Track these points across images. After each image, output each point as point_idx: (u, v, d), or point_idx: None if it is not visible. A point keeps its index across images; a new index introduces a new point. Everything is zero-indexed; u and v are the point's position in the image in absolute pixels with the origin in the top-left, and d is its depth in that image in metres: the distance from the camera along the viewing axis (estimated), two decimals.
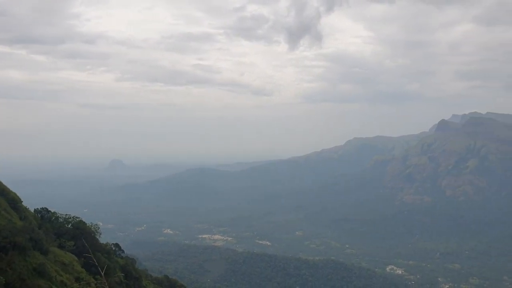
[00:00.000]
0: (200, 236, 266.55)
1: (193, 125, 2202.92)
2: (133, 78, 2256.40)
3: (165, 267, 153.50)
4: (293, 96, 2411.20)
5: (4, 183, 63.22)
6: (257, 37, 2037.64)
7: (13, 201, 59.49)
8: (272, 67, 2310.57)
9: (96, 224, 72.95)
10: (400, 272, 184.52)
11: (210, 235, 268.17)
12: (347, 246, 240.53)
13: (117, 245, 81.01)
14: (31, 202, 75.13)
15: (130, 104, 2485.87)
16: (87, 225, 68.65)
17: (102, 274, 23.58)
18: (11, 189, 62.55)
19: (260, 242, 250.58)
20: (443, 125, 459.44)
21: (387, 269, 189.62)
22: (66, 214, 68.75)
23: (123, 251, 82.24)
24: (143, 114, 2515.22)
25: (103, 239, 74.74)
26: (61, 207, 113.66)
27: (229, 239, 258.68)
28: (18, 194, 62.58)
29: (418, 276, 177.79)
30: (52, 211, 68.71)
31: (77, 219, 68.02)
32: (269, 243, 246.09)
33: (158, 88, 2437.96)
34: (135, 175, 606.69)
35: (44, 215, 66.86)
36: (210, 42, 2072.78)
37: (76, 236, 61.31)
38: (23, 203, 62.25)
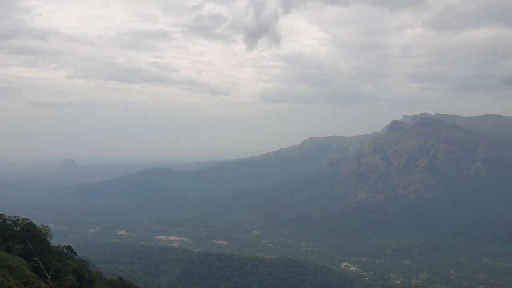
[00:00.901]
0: (156, 237, 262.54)
1: (150, 124, 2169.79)
2: (87, 75, 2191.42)
3: (120, 269, 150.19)
4: (251, 95, 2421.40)
5: None
6: (215, 36, 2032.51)
7: None
8: (230, 67, 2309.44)
9: (47, 226, 70.54)
10: (354, 269, 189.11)
11: (166, 236, 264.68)
12: (303, 244, 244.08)
13: (69, 247, 78.64)
14: None
15: (83, 102, 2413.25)
16: (37, 227, 66.31)
17: (49, 277, 22.82)
18: None
19: (217, 242, 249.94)
20: (395, 126, 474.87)
21: (342, 266, 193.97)
22: (15, 216, 66.12)
23: (75, 254, 79.85)
24: (97, 113, 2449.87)
25: (54, 241, 72.38)
26: (9, 209, 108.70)
27: (185, 239, 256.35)
28: None
29: (371, 273, 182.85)
30: None
31: (27, 221, 65.59)
32: (226, 243, 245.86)
33: (113, 86, 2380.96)
34: (88, 175, 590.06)
35: None
36: (167, 40, 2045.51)
37: (26, 239, 59.11)
38: None
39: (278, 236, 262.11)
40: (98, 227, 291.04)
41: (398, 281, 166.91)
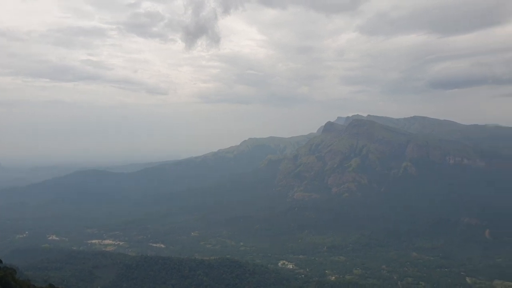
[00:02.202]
0: (89, 241, 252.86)
1: (83, 124, 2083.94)
2: (14, 72, 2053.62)
3: (50, 276, 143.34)
4: (190, 95, 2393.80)
5: None
6: (152, 34, 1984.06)
7: None
8: (167, 66, 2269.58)
9: None
10: (291, 267, 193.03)
11: (100, 240, 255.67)
12: (241, 244, 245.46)
13: None
14: None
15: (10, 101, 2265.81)
16: None
17: None
18: None
19: (154, 245, 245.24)
20: (329, 127, 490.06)
21: (279, 264, 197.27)
22: None
23: (0, 261, 75.42)
24: (25, 112, 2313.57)
25: None
26: None
27: (121, 243, 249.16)
28: None
29: (307, 270, 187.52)
30: None
31: None
32: (163, 246, 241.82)
33: (43, 84, 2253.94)
34: (16, 178, 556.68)
35: None
36: (101, 37, 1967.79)
37: None
38: None
39: (217, 237, 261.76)
40: (26, 232, 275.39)
41: (333, 277, 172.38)
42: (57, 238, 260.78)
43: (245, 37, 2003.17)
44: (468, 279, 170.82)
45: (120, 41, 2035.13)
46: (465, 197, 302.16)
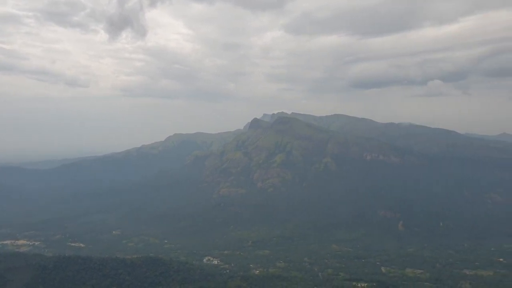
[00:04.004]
0: (0, 242, 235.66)
1: None
2: None
3: None
4: (112, 88, 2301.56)
5: None
6: (73, 24, 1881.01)
7: None
8: (88, 57, 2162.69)
9: None
10: (216, 262, 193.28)
11: (13, 241, 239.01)
12: (166, 241, 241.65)
13: None
14: None
15: None
16: None
17: None
18: None
19: (73, 244, 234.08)
20: (255, 124, 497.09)
21: (204, 260, 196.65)
22: None
23: None
24: None
25: None
26: None
27: (36, 243, 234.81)
28: None
29: (232, 264, 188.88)
30: None
31: None
32: (83, 245, 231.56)
33: None
34: None
35: None
36: (15, 24, 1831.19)
37: None
38: None
39: (140, 235, 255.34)
40: None
41: (257, 271, 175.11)
42: None
43: (171, 30, 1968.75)
44: (383, 269, 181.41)
45: (37, 30, 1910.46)
46: (381, 191, 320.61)
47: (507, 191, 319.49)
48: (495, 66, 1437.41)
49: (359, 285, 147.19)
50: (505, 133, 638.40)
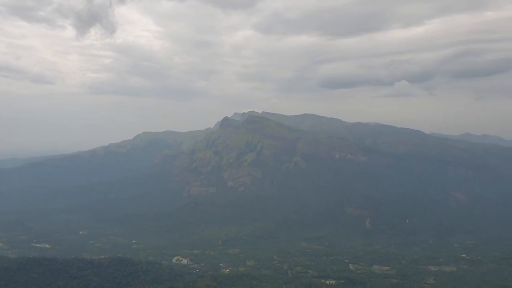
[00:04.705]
0: None
1: None
2: None
3: None
4: (79, 85, 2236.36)
5: None
6: (38, 19, 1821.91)
7: None
8: (54, 53, 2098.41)
9: None
10: (185, 262, 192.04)
11: None
12: (134, 241, 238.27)
13: None
14: None
15: None
16: None
17: None
18: None
19: (38, 245, 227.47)
20: (226, 122, 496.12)
21: (174, 260, 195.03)
22: None
23: None
24: None
25: None
26: None
27: None
28: None
29: (202, 264, 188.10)
30: None
31: None
32: (48, 246, 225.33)
33: None
34: None
35: None
36: None
37: None
38: None
39: (108, 236, 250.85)
40: None
41: (227, 270, 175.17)
42: None
43: (140, 27, 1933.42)
44: (351, 266, 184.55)
45: (1, 24, 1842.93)
46: (349, 189, 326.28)
47: (469, 190, 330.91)
48: (459, 67, 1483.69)
49: (327, 282, 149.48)
50: (469, 133, 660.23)
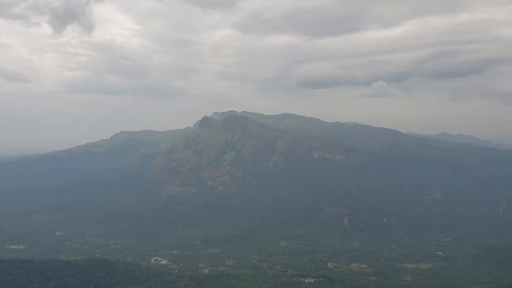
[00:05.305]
0: None
1: None
2: None
3: None
4: (55, 84, 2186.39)
5: None
6: (13, 15, 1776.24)
7: None
8: (29, 51, 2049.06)
9: None
10: (164, 262, 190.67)
11: None
12: (112, 242, 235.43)
13: None
14: None
15: None
16: None
17: None
18: None
19: (13, 247, 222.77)
20: (205, 122, 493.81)
21: (152, 260, 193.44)
22: None
23: None
24: None
25: None
26: None
27: None
28: None
29: (181, 264, 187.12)
30: None
31: None
32: (23, 247, 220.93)
33: None
34: None
35: None
36: None
37: None
38: None
39: (85, 236, 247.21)
40: None
41: (206, 270, 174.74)
42: None
43: (118, 25, 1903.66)
44: (329, 264, 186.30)
45: None
46: (328, 188, 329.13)
47: (444, 188, 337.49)
48: (435, 68, 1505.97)
49: (306, 280, 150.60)
50: (444, 132, 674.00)
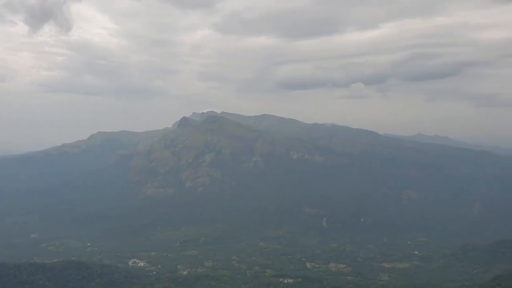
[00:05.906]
0: None
1: None
2: None
3: None
4: (30, 84, 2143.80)
5: None
6: None
7: None
8: (4, 50, 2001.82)
9: None
10: (142, 264, 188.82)
11: None
12: (88, 244, 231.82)
13: None
14: None
15: None
16: None
17: None
18: None
19: None
20: (184, 122, 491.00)
21: (130, 263, 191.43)
22: None
23: None
24: None
25: None
26: None
27: None
28: None
29: (159, 266, 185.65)
30: None
31: None
32: None
33: None
34: None
35: None
36: None
37: None
38: None
39: (61, 239, 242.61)
40: None
41: (185, 272, 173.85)
42: None
43: (96, 25, 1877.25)
44: (308, 264, 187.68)
45: None
46: (306, 188, 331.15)
47: (421, 189, 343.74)
48: (411, 70, 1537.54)
49: (285, 281, 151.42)
50: (421, 133, 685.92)
